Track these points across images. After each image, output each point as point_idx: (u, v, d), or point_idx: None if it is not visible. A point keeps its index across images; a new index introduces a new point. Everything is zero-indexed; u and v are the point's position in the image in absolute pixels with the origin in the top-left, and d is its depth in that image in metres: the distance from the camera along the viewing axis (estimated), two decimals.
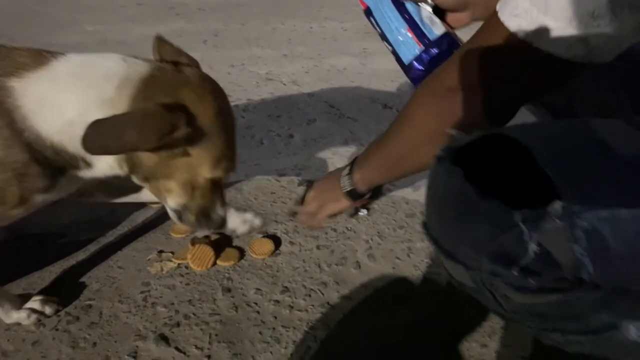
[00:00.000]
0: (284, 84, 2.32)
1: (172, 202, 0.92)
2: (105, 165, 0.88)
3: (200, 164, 0.86)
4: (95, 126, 0.74)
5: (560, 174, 0.50)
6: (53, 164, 0.84)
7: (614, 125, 0.56)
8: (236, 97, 2.18)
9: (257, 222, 1.16)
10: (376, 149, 0.96)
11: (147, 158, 0.84)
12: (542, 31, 0.63)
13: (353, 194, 1.03)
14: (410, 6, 0.88)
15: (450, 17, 0.91)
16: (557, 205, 0.49)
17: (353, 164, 1.03)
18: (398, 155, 0.89)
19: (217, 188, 0.94)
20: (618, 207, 0.49)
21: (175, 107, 0.80)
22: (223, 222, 0.99)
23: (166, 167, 0.85)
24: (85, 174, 0.89)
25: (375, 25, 0.93)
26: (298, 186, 1.51)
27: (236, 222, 1.14)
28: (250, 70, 2.48)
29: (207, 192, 0.92)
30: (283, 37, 2.99)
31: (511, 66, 0.69)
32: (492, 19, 0.69)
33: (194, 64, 0.90)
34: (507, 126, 0.60)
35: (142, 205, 1.44)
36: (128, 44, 2.71)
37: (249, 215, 1.16)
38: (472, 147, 0.59)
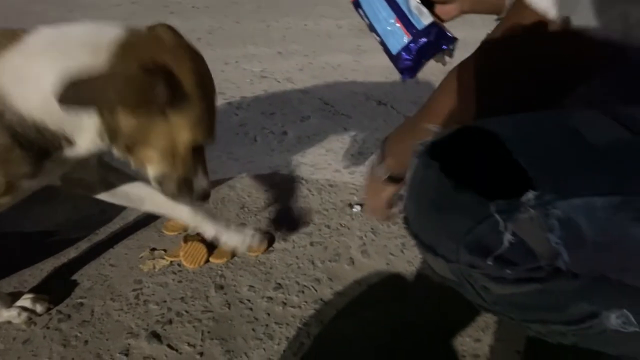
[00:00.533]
0: (278, 82, 2.31)
1: (153, 171, 0.89)
2: (87, 141, 0.85)
3: (180, 128, 0.84)
4: (73, 82, 0.72)
5: (533, 164, 0.51)
6: (37, 146, 0.83)
7: (588, 115, 0.55)
8: (230, 94, 2.17)
9: (256, 239, 1.18)
10: (409, 131, 0.84)
11: (126, 123, 0.81)
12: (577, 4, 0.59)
13: (393, 179, 0.92)
14: None
15: (439, 9, 0.91)
16: (531, 195, 0.49)
17: (384, 147, 0.90)
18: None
19: (198, 157, 0.91)
20: (592, 196, 0.49)
21: (154, 69, 0.78)
22: (206, 193, 0.95)
23: (145, 132, 0.83)
24: (69, 153, 0.87)
25: (364, 16, 0.93)
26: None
27: (235, 239, 1.16)
28: (244, 68, 2.47)
29: (188, 160, 0.89)
30: (277, 34, 2.98)
31: (543, 49, 0.65)
32: (516, 5, 0.66)
33: (171, 29, 0.87)
34: (486, 119, 0.60)
35: None
36: None
37: (248, 231, 1.17)
38: (451, 141, 0.59)
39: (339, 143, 1.76)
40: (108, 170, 1.12)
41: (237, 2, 3.65)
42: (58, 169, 0.92)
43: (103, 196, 1.13)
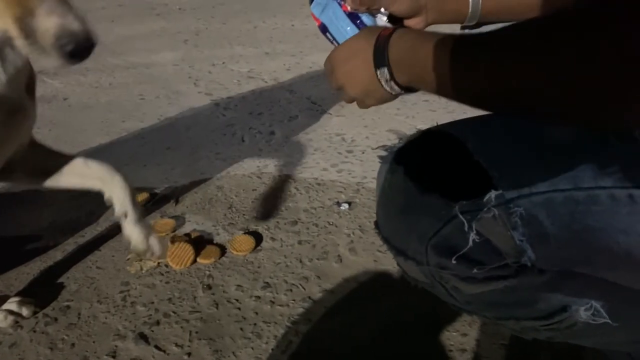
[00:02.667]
0: (266, 82, 2.31)
1: None
2: None
3: None
4: None
5: (494, 163, 0.51)
6: None
7: None
8: (217, 95, 2.17)
9: (156, 249, 1.08)
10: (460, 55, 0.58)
11: None
12: None
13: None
14: (365, 17, 0.88)
15: (406, 23, 0.92)
16: (493, 195, 0.50)
17: (386, 51, 0.66)
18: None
19: None
20: (552, 192, 0.50)
21: None
22: (65, 32, 0.66)
23: None
24: None
25: (333, 40, 0.92)
26: None
27: (136, 235, 1.05)
28: (231, 69, 2.47)
29: None
30: (264, 35, 2.98)
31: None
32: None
33: None
34: (450, 122, 0.60)
35: None
36: (108, 44, 2.69)
37: (153, 240, 1.08)
38: (416, 146, 0.59)
39: (327, 142, 1.76)
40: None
41: (223, 3, 3.65)
42: None
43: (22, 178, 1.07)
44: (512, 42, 0.52)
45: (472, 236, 0.52)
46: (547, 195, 0.50)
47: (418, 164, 0.57)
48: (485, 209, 0.50)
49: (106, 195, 1.04)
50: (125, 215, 1.04)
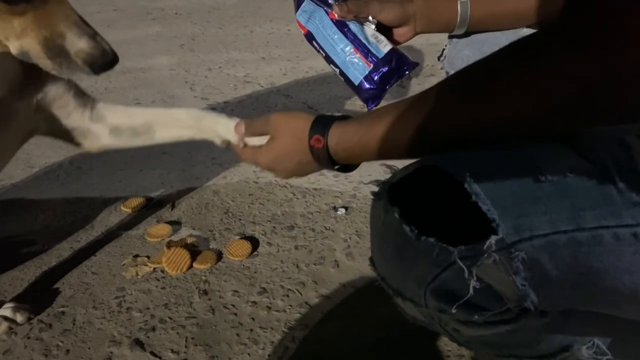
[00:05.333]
0: (262, 86, 2.31)
1: (13, 48, 0.77)
2: None
3: None
4: None
5: (492, 204, 0.50)
6: None
7: (545, 148, 0.54)
8: (213, 100, 2.16)
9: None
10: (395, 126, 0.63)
11: None
12: None
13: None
14: (353, 26, 0.87)
15: (394, 32, 0.91)
16: (493, 240, 0.49)
17: (329, 126, 0.70)
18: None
19: (59, 11, 0.76)
20: (553, 234, 0.49)
21: None
22: (91, 55, 0.77)
23: None
24: None
25: (319, 49, 0.91)
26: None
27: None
28: (227, 74, 2.46)
29: (45, 18, 0.75)
30: (260, 39, 2.97)
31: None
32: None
33: None
34: (443, 154, 0.56)
35: (116, 208, 1.42)
36: None
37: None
38: (410, 181, 0.58)
39: None
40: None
41: (219, 8, 3.65)
42: None
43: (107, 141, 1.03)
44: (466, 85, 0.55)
45: (473, 283, 0.50)
46: (548, 237, 0.49)
47: (413, 203, 0.56)
48: (486, 255, 0.49)
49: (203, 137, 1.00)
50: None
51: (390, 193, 0.58)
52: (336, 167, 0.71)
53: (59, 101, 0.98)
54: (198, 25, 3.27)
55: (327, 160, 0.69)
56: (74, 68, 0.78)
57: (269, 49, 2.81)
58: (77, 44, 0.77)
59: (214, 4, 3.72)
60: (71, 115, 1.00)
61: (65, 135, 1.02)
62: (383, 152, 0.63)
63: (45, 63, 0.78)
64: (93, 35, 0.78)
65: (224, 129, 0.93)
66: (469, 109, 0.54)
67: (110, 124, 1.01)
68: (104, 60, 0.78)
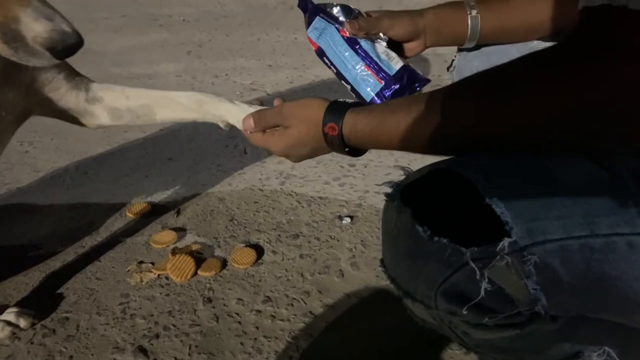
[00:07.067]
0: (268, 94, 2.31)
1: None
2: None
3: None
4: None
5: (505, 207, 0.50)
6: None
7: (562, 155, 0.54)
8: None
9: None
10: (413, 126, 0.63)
11: None
12: None
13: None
14: (364, 43, 0.87)
15: (405, 47, 0.92)
16: (506, 242, 0.49)
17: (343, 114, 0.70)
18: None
19: None
20: (566, 239, 0.49)
21: None
22: (56, 34, 0.71)
23: None
24: None
25: (330, 65, 0.91)
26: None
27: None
28: (234, 81, 2.47)
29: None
30: (267, 47, 2.98)
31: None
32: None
33: None
34: (457, 158, 0.58)
35: (121, 214, 1.42)
36: (110, 55, 2.70)
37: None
38: (423, 183, 0.58)
39: (329, 155, 1.76)
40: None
41: (227, 15, 3.67)
42: None
43: (106, 122, 1.02)
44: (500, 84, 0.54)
45: (484, 285, 0.50)
46: (561, 242, 0.49)
47: (426, 205, 0.56)
48: (498, 257, 0.49)
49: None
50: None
51: (403, 194, 0.58)
52: (347, 149, 0.73)
53: (50, 85, 0.97)
54: (205, 32, 3.28)
55: (340, 146, 0.71)
56: (33, 53, 0.72)
57: (276, 57, 2.82)
58: (34, 28, 0.70)
59: (221, 12, 3.74)
60: (65, 97, 0.99)
61: (62, 115, 1.02)
62: (393, 146, 0.65)
63: (2, 49, 0.72)
64: (51, 16, 0.71)
65: (226, 113, 0.93)
66: (484, 110, 0.54)
67: (107, 105, 1.01)
68: (65, 44, 0.71)
